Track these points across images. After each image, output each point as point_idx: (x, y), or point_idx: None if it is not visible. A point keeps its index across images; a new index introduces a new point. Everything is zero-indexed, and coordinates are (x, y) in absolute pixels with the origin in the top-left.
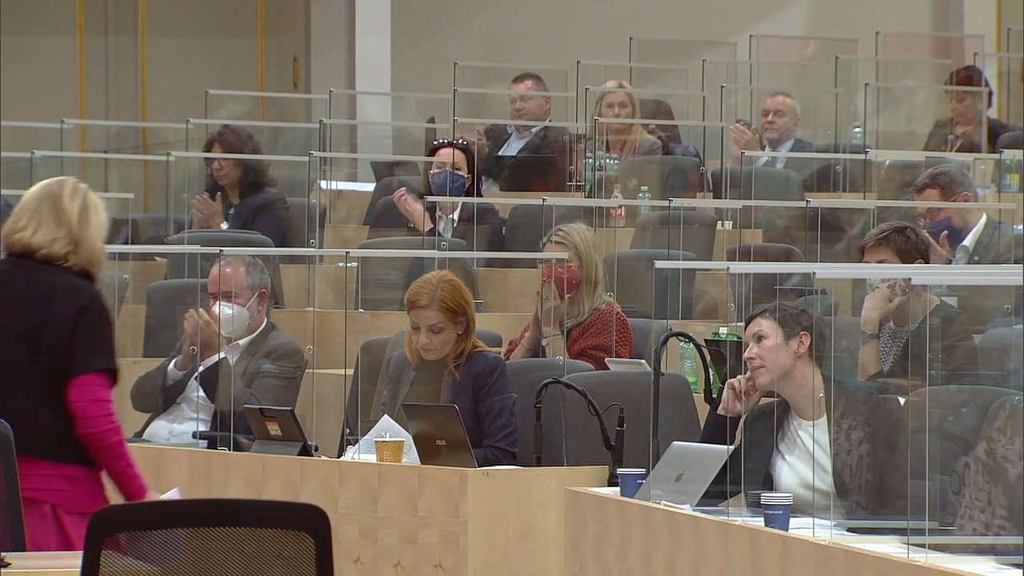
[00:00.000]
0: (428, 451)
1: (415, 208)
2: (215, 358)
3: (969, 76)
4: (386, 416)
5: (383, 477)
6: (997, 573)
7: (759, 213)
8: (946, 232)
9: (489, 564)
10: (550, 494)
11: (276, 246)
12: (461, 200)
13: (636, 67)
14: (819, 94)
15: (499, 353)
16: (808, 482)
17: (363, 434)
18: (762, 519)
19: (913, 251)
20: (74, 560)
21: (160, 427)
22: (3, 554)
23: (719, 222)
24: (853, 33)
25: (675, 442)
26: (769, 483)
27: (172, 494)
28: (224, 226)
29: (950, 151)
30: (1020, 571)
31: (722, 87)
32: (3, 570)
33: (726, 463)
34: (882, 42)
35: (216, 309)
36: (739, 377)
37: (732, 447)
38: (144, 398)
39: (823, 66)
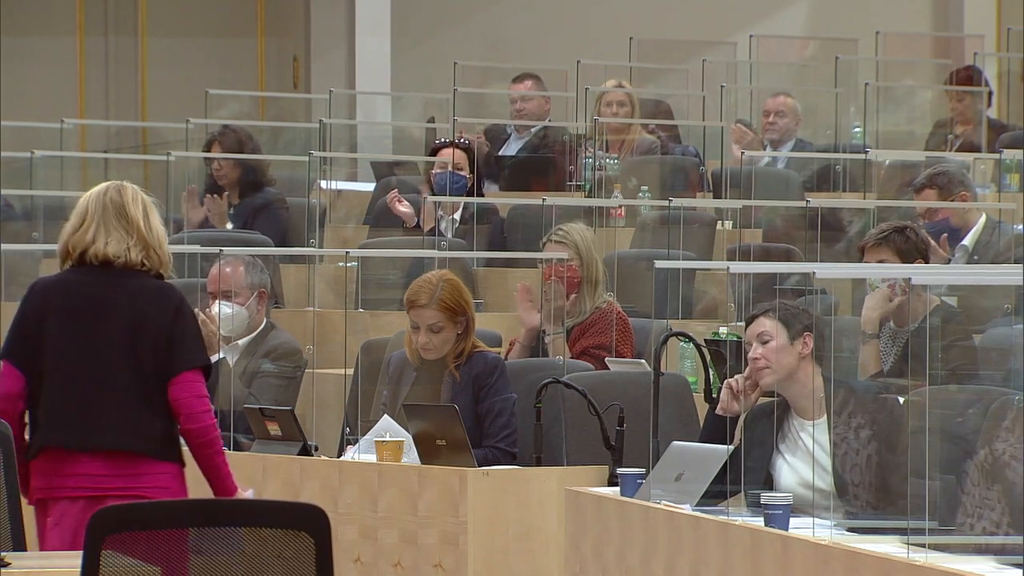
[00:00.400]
0: (428, 451)
1: (408, 210)
2: (215, 358)
3: (969, 76)
4: (386, 416)
5: (383, 477)
6: (997, 573)
7: (759, 213)
8: (946, 234)
9: (489, 564)
10: (550, 494)
11: (276, 246)
12: (463, 200)
13: (636, 67)
14: (819, 94)
15: (499, 353)
16: (808, 482)
17: (363, 434)
18: (762, 519)
19: (913, 251)
20: (74, 560)
21: None
22: (3, 554)
23: (719, 222)
24: (853, 33)
25: (675, 442)
26: (769, 483)
27: (249, 494)
28: (229, 226)
29: (950, 151)
30: (1020, 571)
31: (722, 87)
32: (3, 570)
33: (726, 463)
34: (882, 42)
35: (215, 308)
36: (736, 377)
37: (732, 447)
38: None
39: (823, 66)
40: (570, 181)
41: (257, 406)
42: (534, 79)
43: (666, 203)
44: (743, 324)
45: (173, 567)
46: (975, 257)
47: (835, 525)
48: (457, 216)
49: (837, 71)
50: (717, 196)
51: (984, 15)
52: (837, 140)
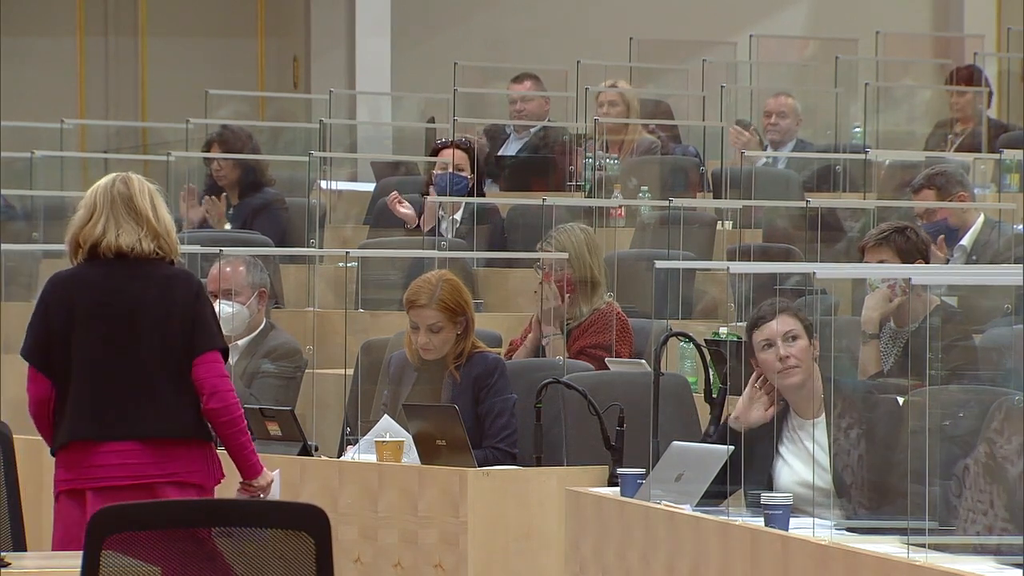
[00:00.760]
0: (428, 451)
1: (408, 211)
2: None
3: (969, 75)
4: (386, 416)
5: (383, 477)
6: (997, 573)
7: (759, 213)
8: (943, 236)
9: (489, 564)
10: (550, 494)
11: (276, 246)
12: (463, 200)
13: (636, 67)
14: (819, 94)
15: (499, 353)
16: (808, 481)
17: (363, 434)
18: (762, 519)
19: (913, 251)
20: (74, 560)
21: None
22: (3, 554)
23: (719, 222)
24: (853, 33)
25: (675, 442)
26: (769, 483)
27: (275, 475)
28: (228, 227)
29: (950, 151)
30: (1020, 571)
31: (722, 87)
32: (3, 570)
33: (726, 463)
34: (882, 42)
35: (216, 308)
36: (754, 387)
37: (732, 448)
38: None
39: (823, 66)
40: (570, 181)
41: (257, 406)
42: (533, 79)
43: (666, 203)
44: (743, 324)
45: (173, 567)
46: (974, 257)
47: (835, 525)
48: (458, 216)
49: (837, 71)
50: (717, 196)
51: (984, 15)
52: (837, 140)
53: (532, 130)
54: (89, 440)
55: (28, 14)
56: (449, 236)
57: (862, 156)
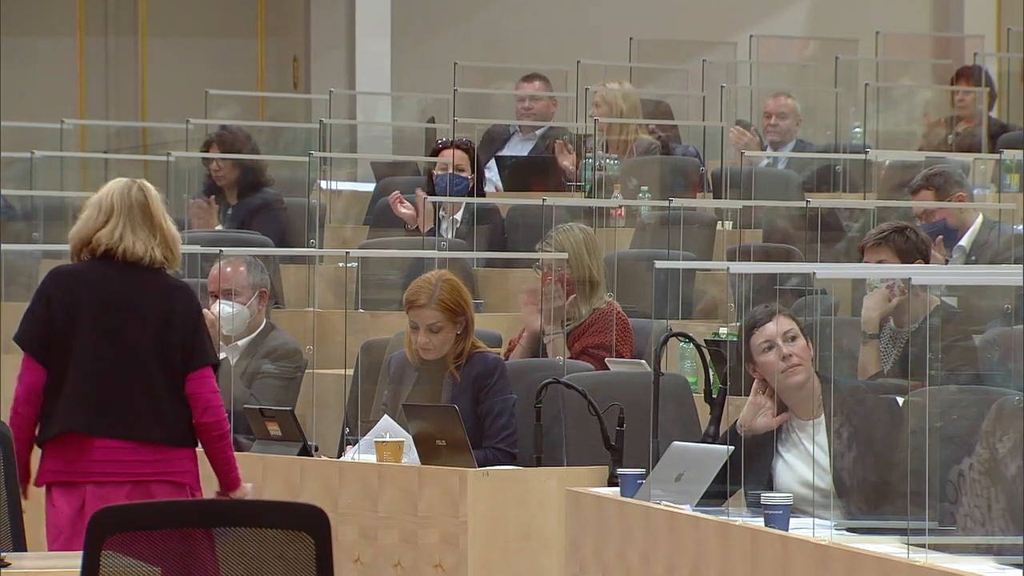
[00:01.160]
0: (428, 451)
1: (409, 211)
2: None
3: (972, 75)
4: (386, 416)
5: (383, 477)
6: (997, 573)
7: (759, 213)
8: (941, 236)
9: (489, 564)
10: (550, 494)
11: (275, 247)
12: (464, 201)
13: (636, 67)
14: (819, 94)
15: (499, 353)
16: (807, 481)
17: (363, 434)
18: (762, 519)
19: (913, 251)
20: (74, 560)
21: None
22: (3, 554)
23: (719, 222)
24: (853, 33)
25: (675, 442)
26: (769, 483)
27: (250, 488)
28: (218, 228)
29: (950, 151)
30: (1020, 571)
31: (722, 87)
32: (3, 570)
33: (726, 463)
34: (882, 42)
35: (216, 307)
36: (759, 398)
37: (732, 448)
38: None
39: (823, 66)
40: (570, 181)
41: (257, 406)
42: (543, 80)
43: (666, 203)
44: (743, 324)
45: (173, 567)
46: (972, 258)
47: (835, 525)
48: (459, 216)
49: (837, 71)
50: (717, 196)
51: (984, 15)
52: (837, 140)
53: (538, 132)
54: (83, 434)
55: (28, 14)
56: (449, 236)
57: (862, 156)
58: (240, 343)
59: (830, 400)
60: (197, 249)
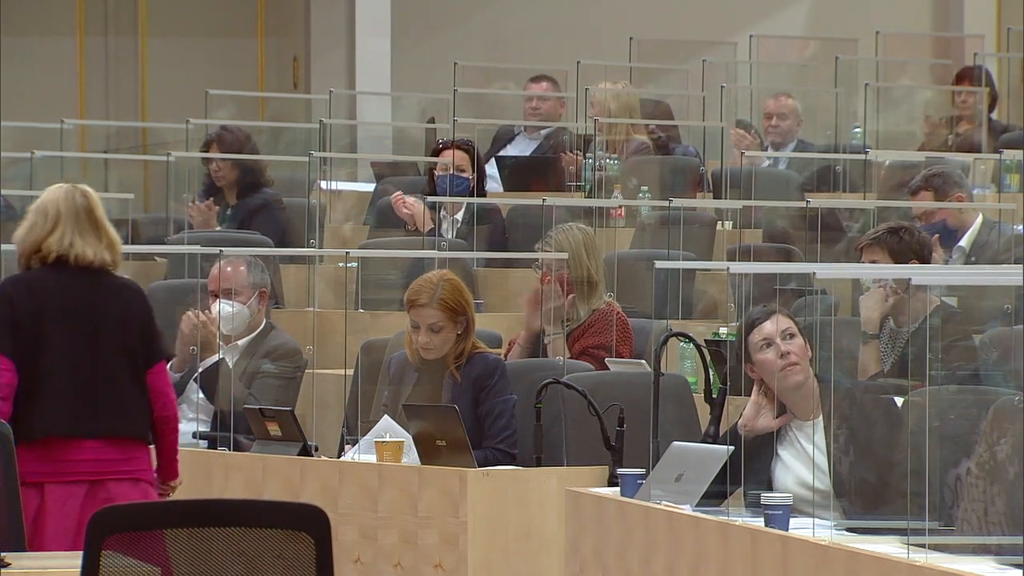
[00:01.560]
0: (428, 451)
1: (413, 210)
2: (214, 359)
3: (973, 76)
4: (386, 416)
5: (383, 477)
6: (997, 573)
7: (759, 213)
8: (938, 235)
9: (489, 564)
10: (550, 494)
11: (275, 247)
12: (465, 201)
13: (636, 67)
14: (819, 94)
15: (499, 354)
16: (806, 482)
17: (363, 434)
18: (762, 519)
19: (907, 251)
20: (74, 560)
21: None
22: (3, 554)
23: (719, 222)
24: (853, 33)
25: (675, 442)
26: (768, 483)
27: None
28: (218, 228)
29: (950, 151)
30: (1020, 571)
31: (722, 87)
32: (3, 570)
33: (726, 463)
34: (882, 42)
35: (216, 307)
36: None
37: (732, 448)
38: None
39: (823, 66)
40: (570, 181)
41: (257, 406)
42: (551, 81)
43: (666, 203)
44: (743, 324)
45: (173, 567)
46: (972, 258)
47: (835, 525)
48: (459, 216)
49: (837, 71)
50: (717, 196)
51: (984, 15)
52: (837, 140)
53: (543, 132)
54: (62, 436)
55: (28, 14)
56: (450, 236)
57: (862, 156)
58: (240, 343)
59: (829, 400)
60: (197, 249)
